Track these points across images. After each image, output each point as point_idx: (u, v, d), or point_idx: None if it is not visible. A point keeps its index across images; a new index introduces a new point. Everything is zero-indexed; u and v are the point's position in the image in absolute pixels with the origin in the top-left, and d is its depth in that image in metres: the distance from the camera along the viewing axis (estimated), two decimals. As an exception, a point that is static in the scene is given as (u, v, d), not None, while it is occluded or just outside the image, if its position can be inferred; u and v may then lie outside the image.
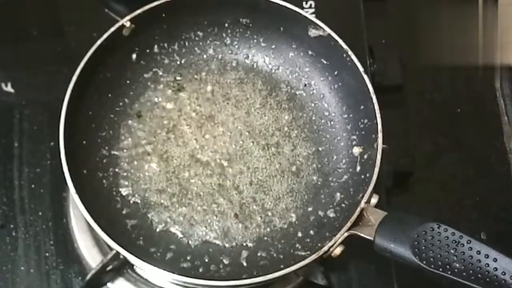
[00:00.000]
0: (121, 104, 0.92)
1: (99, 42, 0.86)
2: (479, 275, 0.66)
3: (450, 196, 1.00)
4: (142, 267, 0.76)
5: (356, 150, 0.88)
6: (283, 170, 0.89)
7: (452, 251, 0.68)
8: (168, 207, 0.86)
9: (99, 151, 0.88)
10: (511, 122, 1.05)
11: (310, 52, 0.94)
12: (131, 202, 0.87)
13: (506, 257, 0.66)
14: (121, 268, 0.84)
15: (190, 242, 0.85)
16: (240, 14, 0.95)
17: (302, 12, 0.90)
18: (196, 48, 0.97)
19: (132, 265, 0.84)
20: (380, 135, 0.82)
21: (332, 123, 0.93)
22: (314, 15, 0.96)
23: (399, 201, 0.97)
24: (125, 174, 0.88)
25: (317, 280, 0.81)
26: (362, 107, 0.87)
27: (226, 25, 0.96)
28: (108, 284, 0.85)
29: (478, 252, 0.67)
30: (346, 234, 0.77)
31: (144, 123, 0.92)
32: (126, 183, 0.88)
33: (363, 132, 0.87)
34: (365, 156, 0.85)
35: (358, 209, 0.77)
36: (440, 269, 0.68)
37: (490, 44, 1.08)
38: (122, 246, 0.75)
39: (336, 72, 0.92)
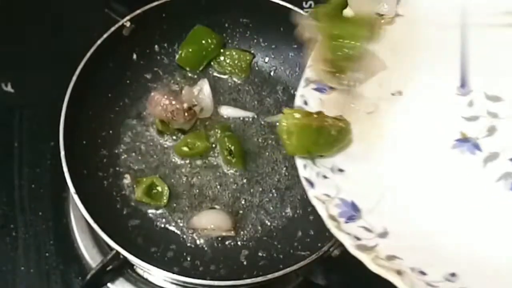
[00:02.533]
0: (121, 104, 0.92)
1: (99, 42, 0.87)
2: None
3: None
4: (142, 267, 0.76)
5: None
6: (282, 169, 0.89)
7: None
8: (169, 207, 0.86)
9: (99, 151, 0.88)
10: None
11: (310, 52, 0.94)
12: (132, 202, 0.87)
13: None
14: (121, 268, 0.85)
15: (190, 241, 0.85)
16: (240, 14, 0.95)
17: (302, 12, 0.91)
18: (196, 48, 0.97)
19: (132, 265, 0.84)
20: (380, 135, 0.82)
21: (332, 123, 0.93)
22: (314, 15, 0.96)
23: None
24: (125, 174, 0.88)
25: (317, 280, 0.81)
26: (362, 107, 0.87)
27: (226, 25, 0.96)
28: (108, 284, 0.85)
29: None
30: (346, 234, 0.77)
31: (145, 123, 0.92)
32: (127, 182, 0.88)
33: (363, 132, 0.87)
34: (365, 156, 0.85)
35: (358, 209, 0.77)
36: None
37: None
38: (122, 246, 0.75)
39: (336, 72, 0.92)
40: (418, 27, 0.71)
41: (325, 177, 0.64)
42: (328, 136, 0.64)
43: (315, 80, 0.70)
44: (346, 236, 0.60)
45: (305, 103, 0.69)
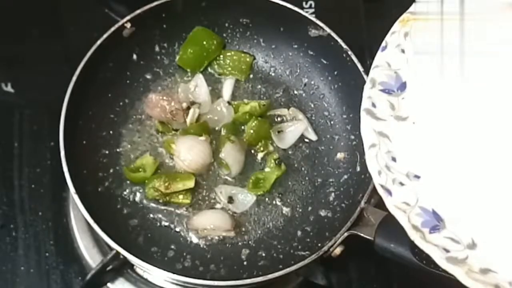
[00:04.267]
0: (121, 104, 0.92)
1: (99, 42, 0.87)
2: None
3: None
4: (142, 267, 0.76)
5: (356, 150, 0.88)
6: (282, 169, 0.89)
7: (453, 251, 0.68)
8: (169, 207, 0.86)
9: (99, 151, 0.88)
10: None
11: (310, 52, 0.94)
12: (131, 202, 0.87)
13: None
14: (121, 268, 0.84)
15: (190, 241, 0.85)
16: (240, 14, 0.95)
17: (302, 12, 0.91)
18: (196, 48, 0.97)
19: (132, 265, 0.84)
20: (380, 135, 0.82)
21: (332, 123, 0.93)
22: (314, 15, 0.96)
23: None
24: (125, 174, 0.88)
25: (317, 280, 0.81)
26: (362, 107, 0.87)
27: (226, 25, 0.96)
28: (108, 284, 0.85)
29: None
30: (346, 234, 0.77)
31: (145, 123, 0.92)
32: (127, 182, 0.88)
33: (363, 132, 0.87)
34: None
35: (358, 209, 0.77)
36: (440, 269, 0.68)
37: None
38: (122, 246, 0.75)
39: (336, 72, 0.92)
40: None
41: (401, 184, 0.61)
42: None
43: (382, 81, 0.68)
44: (434, 248, 0.57)
45: (373, 105, 0.66)
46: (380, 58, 0.70)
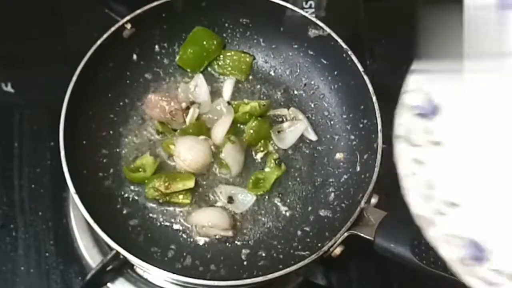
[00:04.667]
0: (121, 104, 0.92)
1: (99, 42, 0.86)
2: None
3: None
4: (142, 267, 0.76)
5: (356, 150, 0.88)
6: (282, 169, 0.89)
7: (453, 251, 0.68)
8: (169, 207, 0.86)
9: (99, 151, 0.88)
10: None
11: (310, 52, 0.94)
12: (132, 201, 0.87)
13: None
14: (121, 268, 0.85)
15: (190, 241, 0.85)
16: (240, 14, 0.95)
17: (302, 12, 0.91)
18: (196, 48, 0.97)
19: (132, 265, 0.84)
20: (380, 135, 0.82)
21: (332, 123, 0.93)
22: (314, 15, 0.96)
23: (399, 201, 0.96)
24: (125, 174, 0.88)
25: (317, 280, 0.81)
26: (362, 107, 0.87)
27: (226, 25, 0.96)
28: (108, 284, 0.85)
29: (479, 252, 0.67)
30: (346, 234, 0.77)
31: (144, 123, 0.92)
32: (127, 183, 0.88)
33: (363, 132, 0.87)
34: (365, 156, 0.85)
35: (358, 209, 0.77)
36: (440, 269, 0.68)
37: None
38: (122, 246, 0.75)
39: (336, 72, 0.92)
40: None
41: (442, 213, 0.59)
42: None
43: (414, 105, 0.65)
44: (479, 281, 0.55)
45: (407, 131, 0.64)
46: (410, 81, 0.68)
